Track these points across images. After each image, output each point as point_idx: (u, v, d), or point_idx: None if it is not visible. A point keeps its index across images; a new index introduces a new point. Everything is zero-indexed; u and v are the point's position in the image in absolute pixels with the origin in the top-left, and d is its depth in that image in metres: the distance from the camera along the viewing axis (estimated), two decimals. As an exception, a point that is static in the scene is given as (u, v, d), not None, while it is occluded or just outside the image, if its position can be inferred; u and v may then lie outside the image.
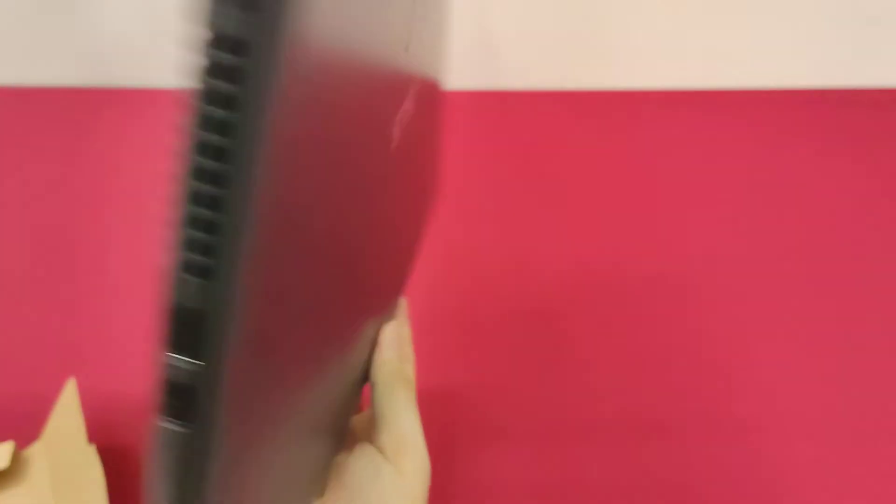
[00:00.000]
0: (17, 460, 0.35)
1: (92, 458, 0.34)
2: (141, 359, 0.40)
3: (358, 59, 0.15)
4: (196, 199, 0.12)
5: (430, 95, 0.25)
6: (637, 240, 0.44)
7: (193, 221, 0.12)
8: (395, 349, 0.27)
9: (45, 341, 0.40)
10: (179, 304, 0.13)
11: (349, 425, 0.28)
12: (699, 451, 0.37)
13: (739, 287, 0.42)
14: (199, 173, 0.12)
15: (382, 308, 0.28)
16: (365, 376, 0.27)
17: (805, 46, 0.51)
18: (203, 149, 0.12)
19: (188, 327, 0.13)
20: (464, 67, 0.51)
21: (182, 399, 0.13)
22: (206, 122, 0.12)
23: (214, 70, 0.11)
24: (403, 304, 0.29)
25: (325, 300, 0.18)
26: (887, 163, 0.46)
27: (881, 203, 0.45)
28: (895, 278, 0.42)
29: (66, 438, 0.35)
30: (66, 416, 0.35)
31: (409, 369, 0.28)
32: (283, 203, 0.13)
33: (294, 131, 0.13)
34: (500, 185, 0.41)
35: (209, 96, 0.11)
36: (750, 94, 0.49)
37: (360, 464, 0.25)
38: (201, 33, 0.11)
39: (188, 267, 0.12)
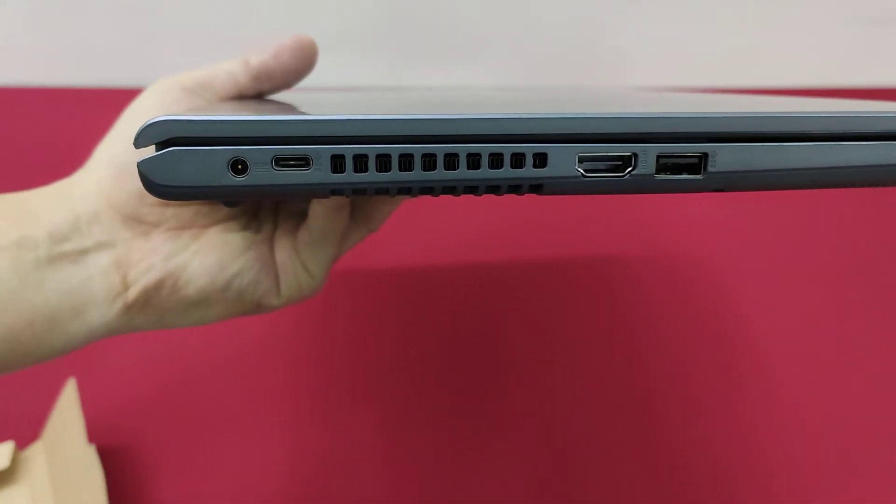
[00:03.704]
0: (17, 460, 0.35)
1: (92, 458, 0.34)
2: (141, 359, 0.40)
3: None
4: None
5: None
6: (635, 239, 0.44)
7: None
8: None
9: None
10: None
11: None
12: (702, 448, 0.37)
13: (742, 283, 0.42)
14: None
15: None
16: None
17: (805, 46, 0.51)
18: None
19: None
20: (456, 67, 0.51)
21: None
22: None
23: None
24: None
25: None
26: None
27: (881, 202, 0.45)
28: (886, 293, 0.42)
29: (66, 438, 0.35)
30: (66, 416, 0.35)
31: None
32: None
33: None
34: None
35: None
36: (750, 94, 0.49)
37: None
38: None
39: None
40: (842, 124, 0.18)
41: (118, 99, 0.48)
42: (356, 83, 0.49)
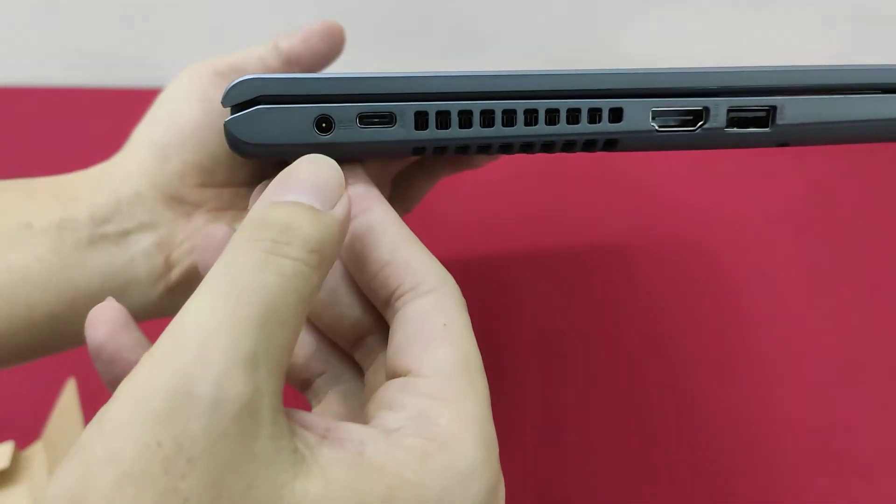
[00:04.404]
0: (17, 460, 0.35)
1: (92, 458, 0.34)
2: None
3: None
4: None
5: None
6: (635, 229, 0.44)
7: None
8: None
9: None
10: None
11: None
12: (707, 450, 0.37)
13: (745, 274, 0.42)
14: None
15: None
16: None
17: (805, 46, 0.51)
18: None
19: None
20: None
21: None
22: None
23: None
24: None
25: None
26: (886, 160, 0.46)
27: (881, 200, 0.45)
28: (889, 280, 0.42)
29: (66, 438, 0.35)
30: (66, 416, 0.35)
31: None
32: None
33: None
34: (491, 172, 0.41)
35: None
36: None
37: None
38: None
39: None
40: None
41: (118, 99, 0.48)
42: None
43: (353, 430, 0.16)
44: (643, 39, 0.50)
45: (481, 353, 0.18)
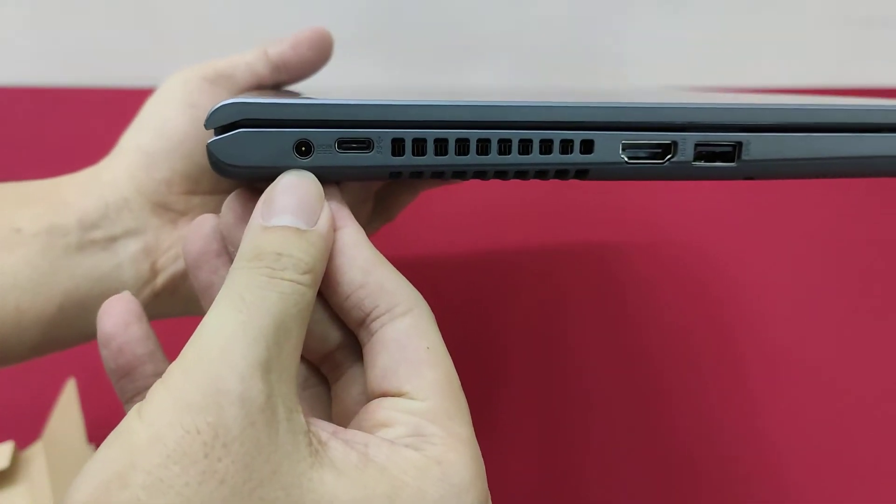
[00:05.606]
0: (17, 460, 0.35)
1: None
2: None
3: None
4: None
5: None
6: (636, 228, 0.44)
7: None
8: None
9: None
10: None
11: None
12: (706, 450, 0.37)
13: (746, 273, 0.42)
14: None
15: None
16: None
17: (804, 46, 0.51)
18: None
19: None
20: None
21: None
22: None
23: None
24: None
25: None
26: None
27: (880, 200, 0.45)
28: (885, 282, 0.42)
29: (66, 438, 0.35)
30: (66, 416, 0.35)
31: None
32: None
33: None
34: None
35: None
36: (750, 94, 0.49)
37: None
38: None
39: None
40: (868, 116, 0.20)
41: (118, 99, 0.48)
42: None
43: (357, 434, 0.17)
44: (641, 39, 0.50)
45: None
